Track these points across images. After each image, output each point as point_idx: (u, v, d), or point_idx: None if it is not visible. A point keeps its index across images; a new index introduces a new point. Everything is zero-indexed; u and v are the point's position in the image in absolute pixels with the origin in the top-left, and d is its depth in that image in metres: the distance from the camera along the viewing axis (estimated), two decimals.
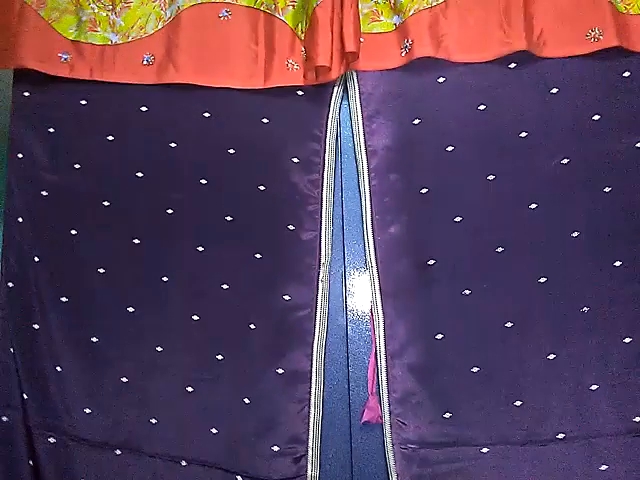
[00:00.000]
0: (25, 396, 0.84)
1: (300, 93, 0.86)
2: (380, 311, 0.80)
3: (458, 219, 0.81)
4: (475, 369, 0.78)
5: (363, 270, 0.85)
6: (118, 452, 0.82)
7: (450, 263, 0.80)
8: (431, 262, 0.80)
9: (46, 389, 0.84)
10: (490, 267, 0.80)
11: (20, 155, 0.89)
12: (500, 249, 0.81)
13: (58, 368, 0.84)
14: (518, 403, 0.77)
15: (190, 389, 0.83)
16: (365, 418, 0.80)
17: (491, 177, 0.82)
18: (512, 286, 0.79)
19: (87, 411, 0.83)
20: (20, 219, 0.88)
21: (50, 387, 0.84)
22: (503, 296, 0.79)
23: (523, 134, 0.83)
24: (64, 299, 0.86)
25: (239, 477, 0.79)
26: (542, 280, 0.79)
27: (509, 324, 0.79)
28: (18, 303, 0.86)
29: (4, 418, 0.84)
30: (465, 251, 0.81)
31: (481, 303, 0.79)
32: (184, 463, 0.81)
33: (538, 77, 0.84)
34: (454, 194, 0.81)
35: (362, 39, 0.83)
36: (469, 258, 0.80)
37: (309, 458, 0.78)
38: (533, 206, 0.81)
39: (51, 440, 0.82)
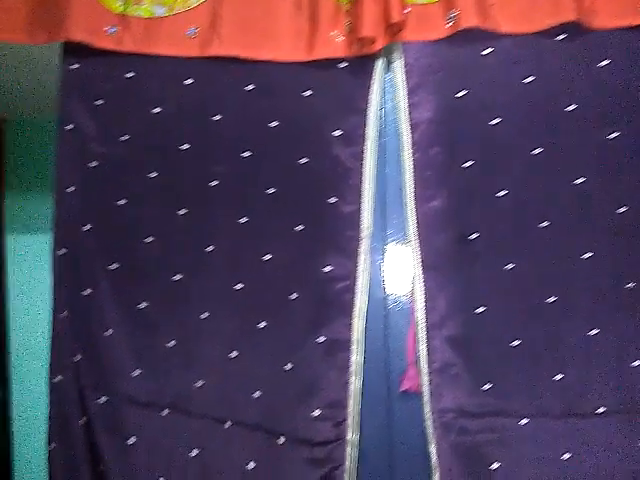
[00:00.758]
0: (77, 358, 0.88)
1: (343, 65, 0.86)
2: (421, 284, 0.80)
3: (501, 193, 0.81)
4: (515, 343, 0.79)
5: (404, 243, 0.85)
6: (165, 412, 0.86)
7: (492, 237, 0.80)
8: (473, 236, 0.81)
9: (97, 352, 0.88)
10: (533, 242, 0.79)
11: (69, 127, 0.92)
12: (544, 224, 0.80)
13: (108, 332, 0.88)
14: (558, 377, 0.77)
15: (233, 354, 0.86)
16: (404, 387, 0.82)
17: (537, 151, 0.81)
18: (555, 261, 0.79)
19: (136, 373, 0.87)
20: (70, 189, 0.91)
21: (101, 350, 0.88)
22: (546, 271, 0.79)
23: (571, 107, 0.82)
24: (113, 267, 0.89)
25: (282, 437, 0.82)
26: (586, 256, 0.79)
27: (551, 299, 0.79)
28: (70, 270, 0.90)
29: (58, 379, 0.89)
30: (508, 226, 0.80)
31: (523, 278, 0.79)
32: (227, 424, 0.84)
33: (588, 49, 0.82)
34: (498, 168, 0.81)
35: (407, 9, 0.82)
36: (512, 233, 0.80)
37: (349, 423, 0.80)
38: (580, 181, 0.80)
39: (102, 400, 0.87)
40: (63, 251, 0.91)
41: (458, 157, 0.82)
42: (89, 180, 0.92)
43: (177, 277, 0.88)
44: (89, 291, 0.89)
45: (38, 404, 1.35)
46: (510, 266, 0.80)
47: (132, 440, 0.85)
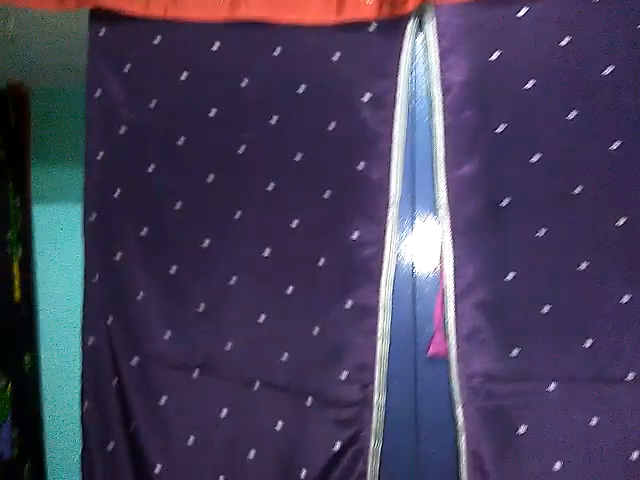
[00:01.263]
0: (109, 321, 0.90)
1: (373, 28, 0.84)
2: (450, 250, 0.80)
3: (535, 159, 0.80)
4: (545, 309, 0.78)
5: (432, 210, 0.85)
6: (195, 374, 0.88)
7: (524, 204, 0.79)
8: (504, 203, 0.80)
9: (128, 315, 0.90)
10: (566, 208, 0.78)
11: (98, 94, 0.92)
12: (577, 190, 0.79)
13: (139, 296, 0.90)
14: (588, 343, 0.77)
15: (262, 319, 0.87)
16: (431, 352, 0.82)
17: (571, 116, 0.79)
18: (588, 228, 0.78)
19: (167, 336, 0.89)
20: (99, 156, 0.92)
21: (132, 314, 0.90)
22: (578, 238, 0.78)
23: (608, 70, 0.79)
24: (143, 233, 0.90)
25: (309, 399, 0.84)
26: (620, 222, 0.78)
27: (583, 266, 0.78)
28: (101, 236, 0.92)
29: (91, 341, 0.92)
30: (540, 192, 0.79)
31: (554, 245, 0.79)
32: (256, 386, 0.86)
33: (626, 10, 0.80)
34: (532, 133, 0.79)
35: None
36: (544, 199, 0.79)
37: (375, 386, 0.81)
38: (615, 146, 0.78)
39: (134, 361, 0.89)
40: (94, 217, 0.92)
41: (491, 121, 0.80)
42: (118, 147, 0.92)
43: (206, 243, 0.89)
44: (120, 256, 0.91)
45: (66, 370, 1.40)
46: (541, 233, 0.79)
47: (163, 400, 0.88)
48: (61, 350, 1.39)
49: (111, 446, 0.89)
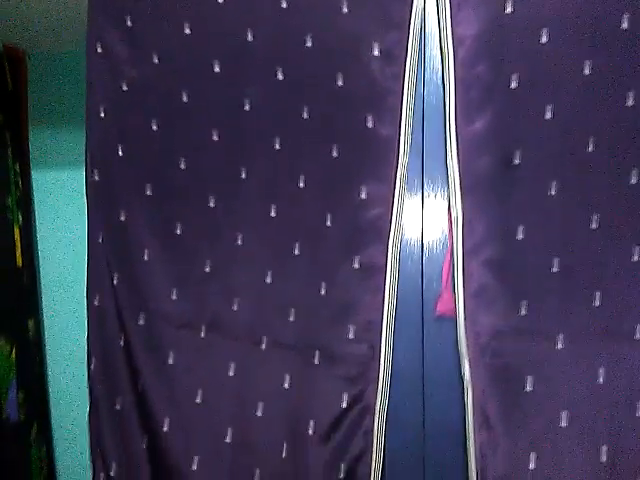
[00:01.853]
0: (115, 281, 0.90)
1: None
2: (459, 207, 0.79)
3: (548, 115, 0.78)
4: (555, 269, 0.78)
5: (442, 168, 0.83)
6: (203, 333, 0.88)
7: (537, 162, 0.78)
8: (516, 160, 0.78)
9: (134, 276, 0.89)
10: (580, 166, 0.77)
11: (99, 49, 0.89)
12: (591, 147, 0.77)
13: (144, 257, 0.89)
14: (597, 301, 0.77)
15: (268, 280, 0.87)
16: (439, 311, 0.82)
17: (587, 70, 0.77)
18: (601, 185, 0.77)
19: (173, 296, 0.88)
20: (102, 113, 0.90)
21: (138, 274, 0.89)
22: (591, 196, 0.77)
23: (624, 24, 0.77)
24: (148, 192, 0.89)
25: (317, 356, 0.84)
26: (633, 180, 0.76)
27: (594, 224, 0.77)
28: (104, 195, 0.90)
29: (97, 301, 0.91)
30: (554, 150, 0.78)
31: (566, 202, 0.78)
32: (264, 345, 0.87)
33: None
34: (546, 88, 0.77)
35: None
36: (557, 157, 0.78)
37: (382, 344, 0.81)
38: (630, 102, 0.76)
39: (140, 321, 0.89)
40: (96, 175, 0.91)
41: (504, 76, 0.78)
42: (120, 103, 0.90)
43: (211, 203, 0.88)
44: (124, 216, 0.90)
45: (70, 334, 1.41)
46: (553, 191, 0.78)
47: (171, 359, 0.88)
48: (64, 314, 1.40)
49: (119, 404, 0.90)
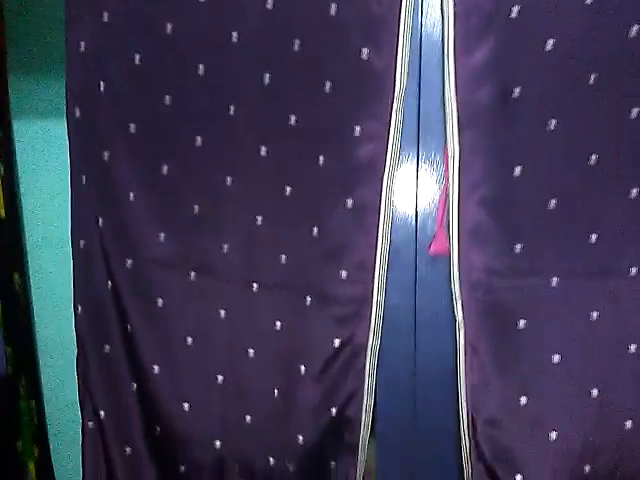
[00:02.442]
0: (100, 224, 0.87)
1: None
2: (455, 144, 0.77)
3: (549, 47, 0.75)
4: (552, 205, 0.76)
5: (439, 102, 0.80)
6: (192, 277, 0.86)
7: (537, 95, 0.75)
8: (516, 93, 0.76)
9: (120, 217, 0.86)
10: (580, 100, 0.74)
11: None
12: (592, 80, 0.75)
13: (130, 198, 0.86)
14: (593, 239, 0.76)
15: (259, 221, 0.85)
16: (432, 250, 0.81)
17: (590, 1, 0.74)
18: (600, 120, 0.75)
19: (161, 238, 0.86)
20: (82, 48, 0.85)
21: (124, 216, 0.86)
22: (590, 131, 0.75)
23: None
24: (132, 130, 0.85)
25: (309, 298, 0.83)
26: (633, 115, 0.74)
27: (593, 160, 0.76)
28: (86, 134, 0.86)
29: (81, 245, 0.89)
30: (555, 82, 0.75)
31: (565, 138, 0.75)
32: (255, 288, 0.85)
33: None
34: (547, 18, 0.74)
35: None
36: (557, 90, 0.75)
37: (375, 284, 0.80)
38: (634, 33, 0.73)
39: (128, 264, 0.87)
40: (78, 113, 0.87)
41: (504, 5, 0.74)
42: (102, 37, 0.85)
43: (198, 141, 0.85)
44: (107, 156, 0.86)
45: (57, 289, 1.38)
46: (552, 125, 0.76)
47: (160, 303, 0.86)
48: (51, 269, 1.37)
49: (107, 349, 0.88)
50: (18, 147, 1.38)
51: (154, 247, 0.86)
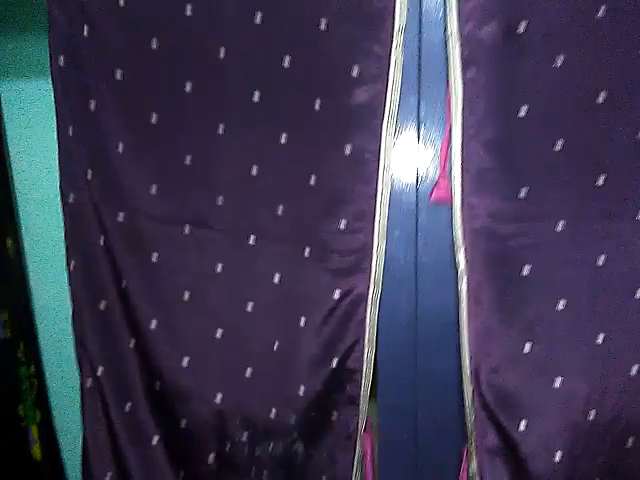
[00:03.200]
0: (89, 177, 0.84)
1: None
2: (459, 84, 0.73)
3: None
4: (558, 147, 0.73)
5: (441, 40, 0.76)
6: (187, 230, 0.84)
7: (543, 29, 0.71)
8: (521, 28, 0.71)
9: (109, 170, 0.83)
10: (588, 35, 0.70)
11: None
12: (600, 13, 0.70)
13: (119, 150, 0.83)
14: (600, 181, 0.73)
15: (254, 171, 0.82)
16: (434, 197, 0.78)
17: None
18: (611, 55, 0.71)
19: (153, 191, 0.83)
20: None
21: (113, 168, 0.83)
22: (597, 66, 0.71)
23: None
24: (118, 77, 0.81)
25: (307, 249, 0.81)
26: None
27: (601, 98, 0.72)
28: (71, 82, 0.82)
29: (71, 200, 0.86)
30: (562, 16, 0.70)
31: (572, 75, 0.72)
32: (252, 240, 0.83)
33: None
34: None
35: None
36: (565, 24, 0.71)
37: (375, 234, 0.78)
38: None
39: (120, 218, 0.84)
40: (62, 61, 0.83)
41: None
42: None
43: (188, 87, 0.81)
44: (94, 105, 0.83)
45: (51, 251, 1.36)
46: (559, 62, 0.72)
47: (154, 257, 0.84)
48: (44, 233, 1.35)
49: (102, 305, 0.86)
50: (6, 112, 1.34)
51: (146, 200, 0.83)
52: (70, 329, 0.92)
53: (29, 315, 1.37)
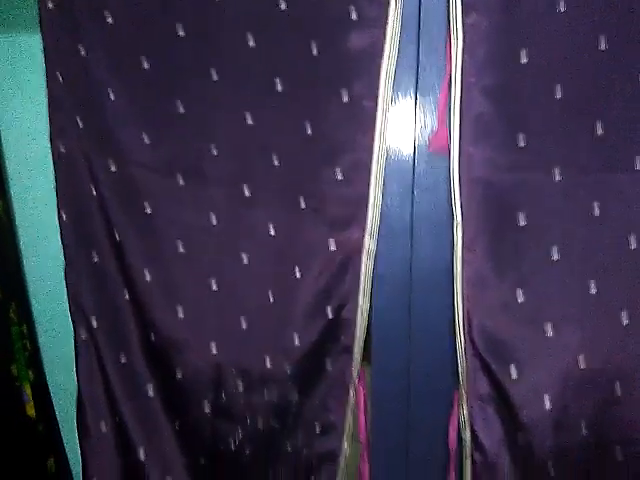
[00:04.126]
0: (80, 125, 0.82)
1: None
2: (459, 29, 0.71)
3: None
4: (558, 94, 0.72)
5: None
6: (181, 181, 0.82)
7: None
8: None
9: (100, 118, 0.81)
10: None
11: None
12: None
13: (110, 96, 0.80)
14: (599, 132, 0.73)
15: (249, 120, 0.80)
16: (433, 147, 0.78)
17: None
18: (611, 2, 0.70)
19: (145, 140, 0.81)
20: None
21: (105, 115, 0.81)
22: (601, 11, 0.69)
23: None
24: (109, 20, 0.78)
25: (303, 200, 0.80)
26: None
27: (602, 46, 0.71)
28: (60, 24, 0.79)
29: (61, 149, 0.84)
30: None
31: (574, 22, 0.70)
32: (246, 192, 0.82)
33: None
34: None
35: None
36: None
37: (372, 185, 0.77)
38: None
39: (112, 168, 0.82)
40: (50, 3, 0.79)
41: None
42: None
43: (180, 31, 0.78)
44: (84, 50, 0.79)
45: (41, 214, 1.34)
46: (561, 7, 0.70)
47: (148, 209, 0.83)
48: (35, 195, 1.32)
49: (96, 257, 0.86)
50: None
51: (138, 150, 0.81)
52: (62, 288, 0.91)
53: (20, 276, 1.36)
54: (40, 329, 1.34)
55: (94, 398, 0.89)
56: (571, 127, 0.73)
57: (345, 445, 0.85)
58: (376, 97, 0.75)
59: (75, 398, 0.93)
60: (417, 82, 0.78)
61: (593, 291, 0.76)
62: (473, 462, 0.80)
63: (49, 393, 1.32)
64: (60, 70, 0.81)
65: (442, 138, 0.77)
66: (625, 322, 0.76)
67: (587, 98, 0.72)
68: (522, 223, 0.75)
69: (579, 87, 0.72)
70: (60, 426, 1.34)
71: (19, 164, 1.32)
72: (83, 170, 0.83)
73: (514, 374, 0.77)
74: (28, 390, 1.31)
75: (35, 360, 1.34)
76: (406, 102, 0.80)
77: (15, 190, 1.35)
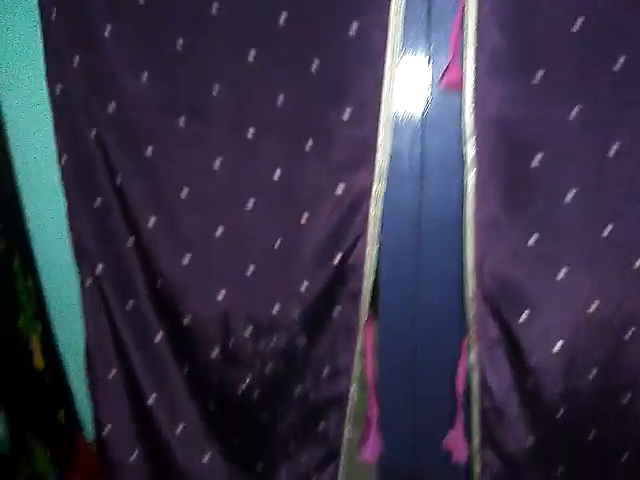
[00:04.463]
0: (76, 63, 0.77)
1: None
2: None
3: None
4: (577, 27, 0.67)
5: None
6: (182, 122, 0.79)
7: None
8: None
9: (98, 55, 0.77)
10: None
11: None
12: None
13: (105, 33, 0.76)
14: (618, 65, 0.67)
15: (251, 59, 0.76)
16: (445, 83, 0.73)
17: None
18: None
19: (144, 79, 0.77)
20: None
21: (101, 53, 0.77)
22: None
23: None
24: None
25: (309, 142, 0.77)
26: None
27: None
28: None
29: (58, 91, 0.80)
30: None
31: None
32: (250, 134, 0.79)
33: None
34: None
35: None
36: None
37: (380, 125, 0.74)
38: None
39: (110, 109, 0.79)
40: None
41: None
42: None
43: None
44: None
45: (43, 171, 1.32)
46: None
47: (149, 151, 0.81)
48: (35, 152, 1.29)
49: (98, 202, 0.84)
50: None
51: (137, 88, 0.78)
52: (66, 238, 0.90)
53: (22, 228, 1.35)
54: (46, 281, 1.35)
55: (102, 345, 0.90)
56: (589, 61, 0.69)
57: (353, 389, 0.86)
58: (386, 29, 0.71)
59: (83, 346, 0.93)
60: (429, 15, 0.74)
61: (606, 234, 0.74)
62: (481, 406, 0.81)
63: (56, 344, 1.34)
64: (56, 8, 0.77)
65: (455, 74, 0.73)
66: (637, 265, 0.74)
67: (606, 31, 0.68)
68: (536, 164, 0.72)
69: (598, 19, 0.67)
70: (68, 376, 1.37)
71: (18, 110, 1.28)
72: (80, 111, 0.80)
73: (524, 318, 0.76)
74: (36, 342, 1.32)
75: (42, 312, 1.34)
76: (417, 32, 0.75)
77: (12, 135, 1.31)
